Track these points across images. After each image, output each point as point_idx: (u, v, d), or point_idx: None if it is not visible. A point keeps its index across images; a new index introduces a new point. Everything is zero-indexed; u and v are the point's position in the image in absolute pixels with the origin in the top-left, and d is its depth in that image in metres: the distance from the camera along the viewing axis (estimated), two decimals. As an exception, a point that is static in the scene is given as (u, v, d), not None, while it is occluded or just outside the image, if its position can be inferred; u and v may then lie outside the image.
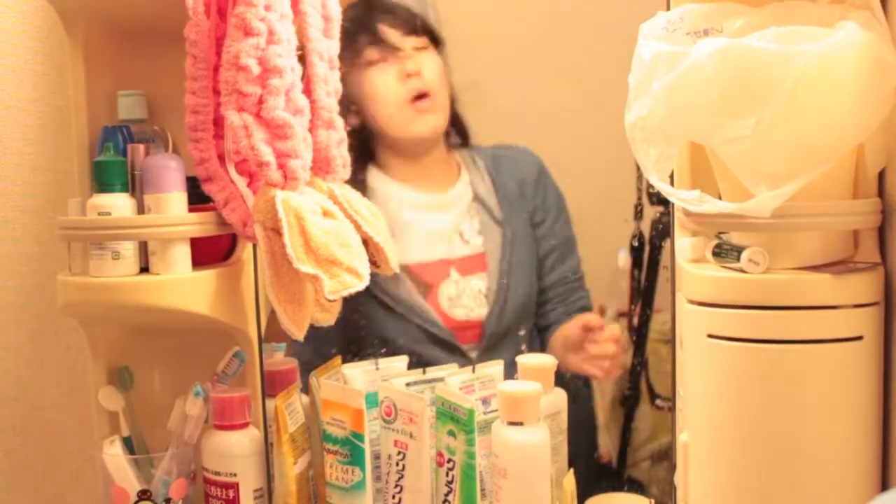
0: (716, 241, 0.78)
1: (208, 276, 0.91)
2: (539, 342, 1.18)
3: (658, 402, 1.18)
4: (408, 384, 0.94)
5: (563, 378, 1.03)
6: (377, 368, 0.97)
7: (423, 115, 1.15)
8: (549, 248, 1.18)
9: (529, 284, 1.17)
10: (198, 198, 0.92)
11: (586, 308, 1.16)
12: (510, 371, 0.95)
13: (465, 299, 1.16)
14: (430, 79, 1.15)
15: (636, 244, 1.18)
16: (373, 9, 1.17)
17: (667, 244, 1.14)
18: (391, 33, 1.15)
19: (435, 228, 1.17)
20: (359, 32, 1.15)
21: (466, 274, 1.16)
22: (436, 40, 1.16)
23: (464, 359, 1.14)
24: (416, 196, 1.17)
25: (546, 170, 1.19)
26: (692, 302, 0.76)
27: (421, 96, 1.14)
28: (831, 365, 0.71)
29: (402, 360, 0.99)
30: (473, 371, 0.94)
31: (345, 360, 1.00)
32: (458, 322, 1.15)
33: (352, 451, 0.91)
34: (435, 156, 1.19)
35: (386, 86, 1.14)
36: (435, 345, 1.15)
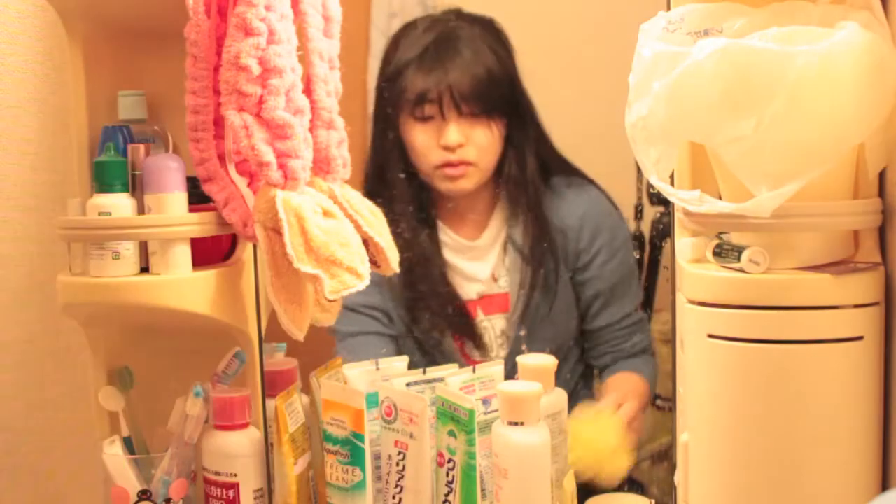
0: (716, 241, 0.78)
1: (208, 276, 0.91)
2: (589, 379, 1.16)
3: (658, 402, 1.18)
4: (408, 384, 0.94)
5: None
6: (377, 368, 0.97)
7: (452, 180, 1.14)
8: (595, 292, 1.15)
9: (561, 329, 1.14)
10: (198, 198, 0.92)
11: (645, 351, 1.13)
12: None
13: (486, 339, 1.15)
14: (474, 152, 1.12)
15: (636, 244, 1.18)
16: (441, 65, 1.12)
17: (667, 244, 1.14)
18: (445, 95, 1.10)
19: (469, 271, 1.17)
20: (415, 76, 1.11)
21: (489, 313, 1.16)
22: (495, 106, 1.12)
23: None
24: (452, 238, 1.17)
25: (599, 209, 1.15)
26: (692, 302, 0.76)
27: (452, 164, 1.12)
28: (831, 365, 0.71)
29: (402, 360, 0.99)
30: (474, 371, 0.94)
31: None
32: (477, 363, 1.15)
33: (352, 451, 0.91)
34: (473, 199, 1.17)
35: (424, 144, 1.13)
36: None
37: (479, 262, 1.17)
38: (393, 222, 0.97)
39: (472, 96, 1.11)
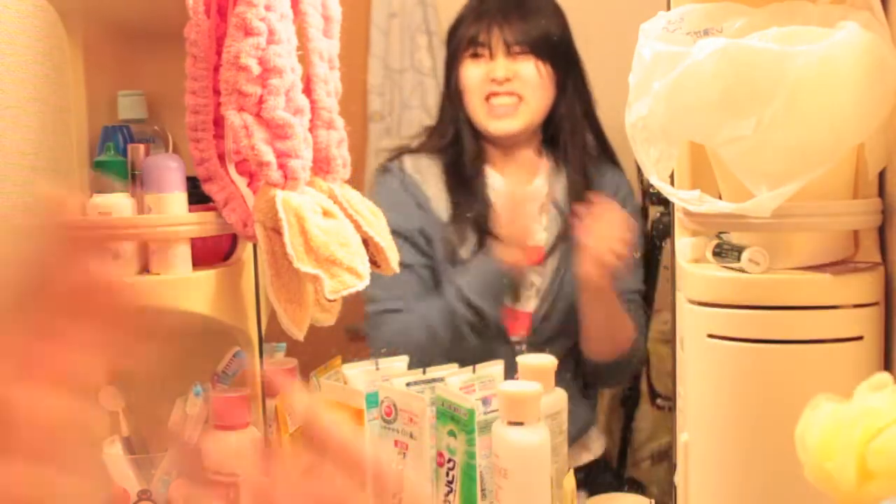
0: (716, 241, 0.78)
1: (208, 276, 0.91)
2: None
3: (658, 402, 1.18)
4: (408, 384, 0.94)
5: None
6: (377, 368, 0.97)
7: (499, 119, 1.18)
8: None
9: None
10: (198, 198, 0.92)
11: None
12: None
13: (520, 289, 1.18)
14: (520, 86, 1.18)
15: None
16: (488, 6, 1.21)
17: (667, 244, 1.14)
18: (495, 35, 1.19)
19: None
20: (471, 23, 1.21)
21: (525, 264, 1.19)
22: (543, 52, 1.19)
23: (511, 350, 1.16)
24: (501, 182, 1.21)
25: (628, 187, 1.21)
26: (692, 302, 0.76)
27: (497, 95, 1.18)
28: (831, 365, 0.71)
29: (402, 360, 0.99)
30: (474, 371, 0.94)
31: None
32: (508, 310, 1.17)
33: (352, 451, 0.91)
34: (520, 146, 1.21)
35: (473, 79, 1.19)
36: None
37: None
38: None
39: (519, 38, 1.19)
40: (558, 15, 1.20)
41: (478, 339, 1.16)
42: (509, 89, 1.18)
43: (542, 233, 1.19)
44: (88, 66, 0.95)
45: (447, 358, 1.10)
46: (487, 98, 1.19)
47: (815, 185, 0.69)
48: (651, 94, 0.73)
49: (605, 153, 1.22)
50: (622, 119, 0.78)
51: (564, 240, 1.18)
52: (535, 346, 1.16)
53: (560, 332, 1.17)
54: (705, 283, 0.75)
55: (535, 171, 1.22)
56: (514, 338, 1.17)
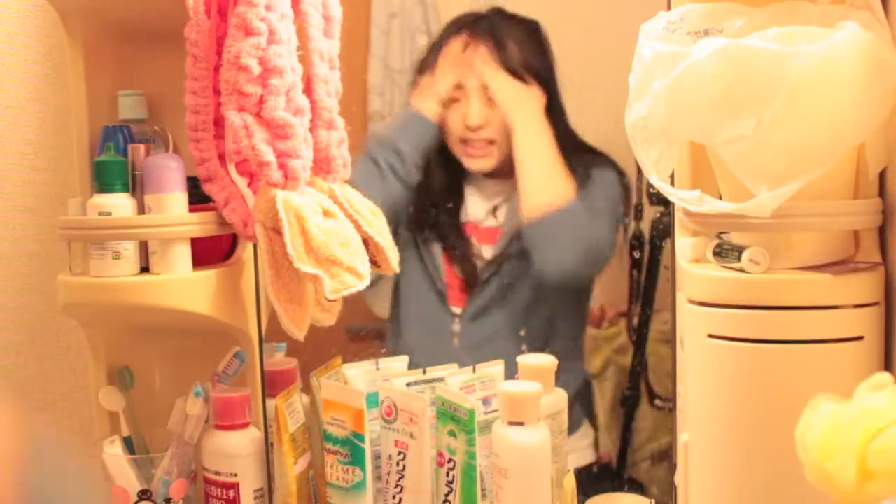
0: (716, 241, 0.78)
1: (209, 276, 0.91)
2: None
3: (658, 402, 1.18)
4: (408, 384, 0.94)
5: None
6: (377, 368, 0.97)
7: (473, 158, 1.20)
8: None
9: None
10: (198, 198, 0.92)
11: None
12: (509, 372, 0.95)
13: (474, 257, 1.20)
14: (492, 131, 1.19)
15: (636, 244, 1.18)
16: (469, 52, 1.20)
17: (667, 244, 1.14)
18: (471, 84, 1.18)
19: (483, 200, 1.22)
20: (458, 61, 1.20)
21: (482, 242, 1.21)
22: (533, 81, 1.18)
23: (450, 317, 1.19)
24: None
25: (615, 182, 1.20)
26: (692, 302, 0.76)
27: (474, 144, 1.19)
28: (831, 365, 0.71)
29: (402, 360, 0.99)
30: (474, 371, 0.94)
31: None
32: (456, 279, 1.19)
33: (352, 451, 0.91)
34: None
35: (450, 123, 1.20)
36: (434, 292, 1.20)
37: (485, 200, 1.22)
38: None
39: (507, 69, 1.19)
40: (539, 52, 1.20)
41: (395, 180, 1.18)
42: (483, 136, 1.19)
43: (503, 215, 1.21)
44: (88, 66, 0.95)
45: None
46: (463, 142, 1.20)
47: (815, 185, 0.69)
48: (651, 94, 0.73)
49: (593, 163, 1.21)
50: (621, 120, 0.78)
51: (519, 239, 1.19)
52: (474, 317, 1.18)
53: (494, 301, 1.18)
54: (705, 283, 0.75)
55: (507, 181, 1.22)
56: (453, 308, 1.19)
